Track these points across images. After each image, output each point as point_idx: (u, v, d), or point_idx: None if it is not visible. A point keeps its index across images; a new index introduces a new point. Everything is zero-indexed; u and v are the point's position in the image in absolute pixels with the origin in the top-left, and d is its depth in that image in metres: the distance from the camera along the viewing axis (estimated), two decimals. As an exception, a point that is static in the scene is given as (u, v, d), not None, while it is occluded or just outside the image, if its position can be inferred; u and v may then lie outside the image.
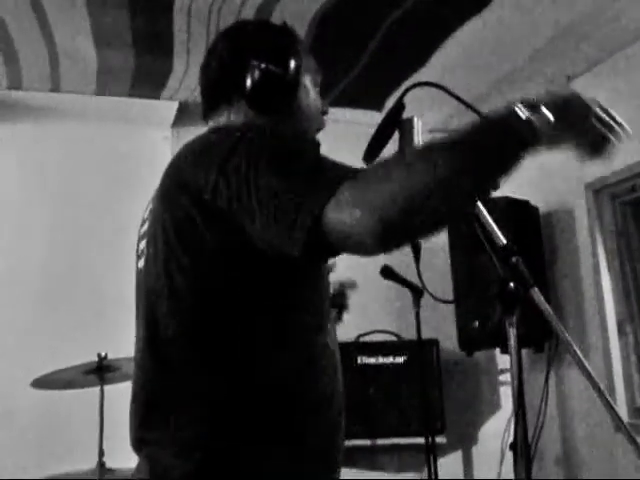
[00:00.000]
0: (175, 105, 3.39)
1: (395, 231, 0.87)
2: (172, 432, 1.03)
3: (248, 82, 1.20)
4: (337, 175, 0.90)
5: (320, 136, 1.32)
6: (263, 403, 1.03)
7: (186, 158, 1.08)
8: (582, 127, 0.95)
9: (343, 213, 0.85)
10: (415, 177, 0.86)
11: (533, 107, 0.90)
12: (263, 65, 1.19)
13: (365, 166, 1.11)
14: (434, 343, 3.34)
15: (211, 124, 1.26)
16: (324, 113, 1.32)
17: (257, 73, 1.19)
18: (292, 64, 1.21)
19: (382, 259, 1.02)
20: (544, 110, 0.90)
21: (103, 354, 2.47)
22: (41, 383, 2.45)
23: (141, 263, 1.18)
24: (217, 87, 1.26)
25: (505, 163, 0.91)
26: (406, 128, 1.18)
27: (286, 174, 0.92)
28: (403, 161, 0.92)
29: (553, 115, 0.90)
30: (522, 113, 0.89)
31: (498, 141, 0.91)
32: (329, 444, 1.10)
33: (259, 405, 1.02)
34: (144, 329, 1.11)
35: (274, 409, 1.03)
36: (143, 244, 1.18)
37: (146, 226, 1.19)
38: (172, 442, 1.03)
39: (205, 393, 1.02)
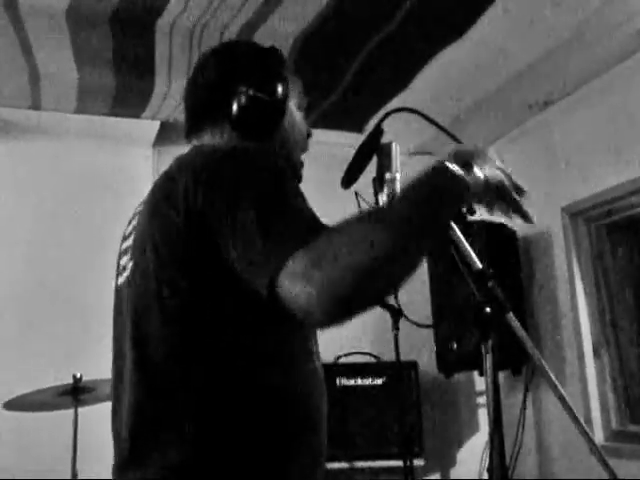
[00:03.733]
0: (156, 124, 3.39)
1: (347, 310, 0.88)
2: (160, 453, 1.00)
3: (235, 107, 1.20)
4: (302, 231, 0.91)
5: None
6: (253, 427, 1.02)
7: (180, 176, 1.06)
8: (498, 192, 1.06)
9: (296, 286, 0.86)
10: (374, 250, 0.87)
11: (465, 165, 1.01)
12: (251, 91, 1.20)
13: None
14: (413, 365, 3.34)
15: (195, 142, 1.26)
16: (308, 136, 1.34)
17: (244, 99, 1.20)
18: (279, 90, 1.22)
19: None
20: (476, 170, 1.01)
21: (78, 375, 2.44)
22: (14, 405, 2.41)
23: (122, 279, 1.16)
24: (203, 107, 1.27)
25: (447, 223, 1.03)
26: (384, 153, 1.19)
27: (263, 218, 0.93)
28: (362, 230, 0.90)
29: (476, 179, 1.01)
30: (457, 172, 0.99)
31: (442, 204, 0.99)
32: (316, 467, 1.10)
33: (249, 428, 1.01)
34: (131, 348, 1.08)
35: (264, 433, 1.02)
36: (125, 260, 1.17)
37: (129, 242, 1.17)
38: (159, 464, 1.00)
39: (195, 415, 1.01)
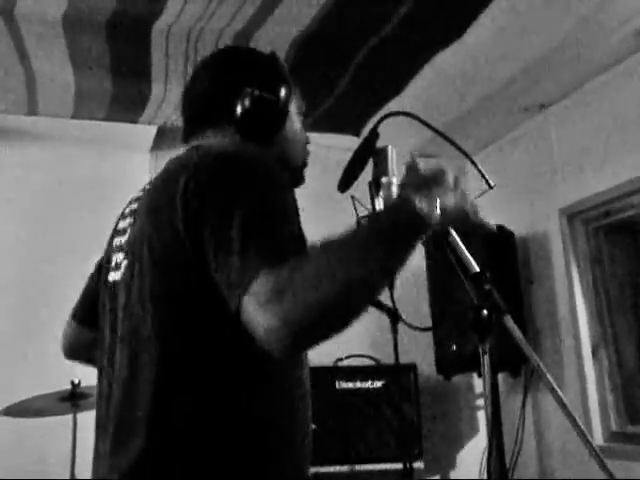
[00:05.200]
0: (153, 129, 3.39)
1: (305, 344, 0.92)
2: (150, 456, 1.00)
3: (239, 108, 1.20)
4: (274, 252, 0.91)
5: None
6: (240, 433, 1.02)
7: (181, 176, 1.04)
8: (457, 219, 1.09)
9: (258, 316, 0.87)
10: (335, 286, 0.88)
11: (423, 191, 1.01)
12: (256, 92, 1.20)
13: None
14: (412, 368, 3.34)
15: (194, 143, 1.24)
16: (306, 143, 1.34)
17: (249, 100, 1.20)
18: (283, 92, 1.23)
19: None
20: (434, 200, 1.01)
21: (77, 381, 2.44)
22: (13, 411, 2.41)
23: (117, 275, 1.15)
24: (205, 110, 1.26)
25: (407, 256, 0.99)
26: (380, 157, 1.19)
27: (246, 235, 0.94)
28: (326, 263, 0.91)
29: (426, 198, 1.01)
30: (420, 209, 0.98)
31: (406, 241, 0.99)
32: (301, 475, 1.10)
33: (235, 435, 1.01)
34: (122, 345, 1.08)
35: (251, 439, 1.02)
36: (120, 257, 1.16)
37: (124, 238, 1.16)
38: (148, 467, 1.00)
39: (187, 419, 1.01)
